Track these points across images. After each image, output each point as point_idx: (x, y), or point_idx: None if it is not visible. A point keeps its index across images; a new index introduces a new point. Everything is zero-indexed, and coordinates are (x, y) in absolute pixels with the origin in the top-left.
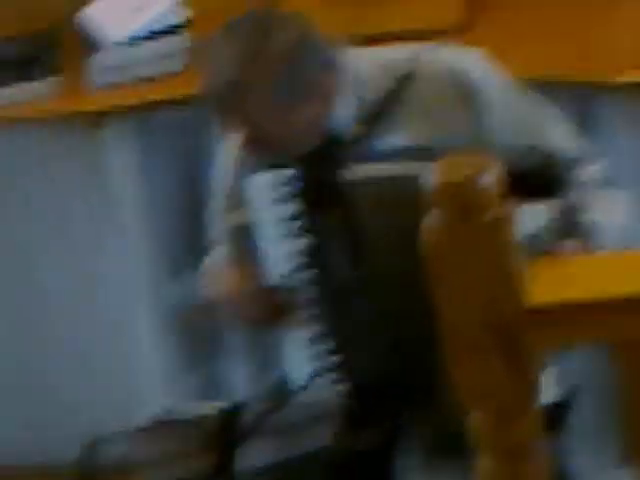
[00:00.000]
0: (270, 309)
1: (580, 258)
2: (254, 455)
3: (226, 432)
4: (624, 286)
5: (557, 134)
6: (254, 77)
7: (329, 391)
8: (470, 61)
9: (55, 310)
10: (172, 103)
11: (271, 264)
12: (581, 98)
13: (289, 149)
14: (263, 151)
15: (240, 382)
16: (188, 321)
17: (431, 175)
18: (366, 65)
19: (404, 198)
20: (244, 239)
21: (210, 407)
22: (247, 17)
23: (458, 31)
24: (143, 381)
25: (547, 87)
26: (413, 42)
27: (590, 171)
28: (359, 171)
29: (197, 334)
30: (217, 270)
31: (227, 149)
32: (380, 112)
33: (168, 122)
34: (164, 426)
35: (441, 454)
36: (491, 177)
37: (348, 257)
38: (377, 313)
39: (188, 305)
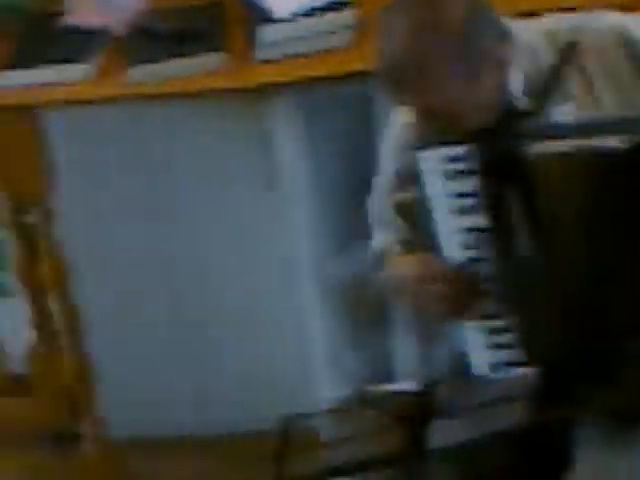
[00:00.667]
0: (453, 296)
1: None
2: (445, 434)
3: (418, 412)
4: None
5: None
6: (430, 50)
7: (514, 373)
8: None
9: (217, 285)
10: (336, 79)
11: (446, 245)
12: None
13: (465, 123)
14: (437, 125)
15: (407, 360)
16: (352, 298)
17: None
18: (528, 35)
19: (591, 176)
20: (415, 217)
21: (401, 387)
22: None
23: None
24: (308, 358)
25: None
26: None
27: None
28: (541, 147)
29: (361, 311)
30: (391, 256)
31: (395, 124)
32: (550, 85)
33: (332, 98)
34: (356, 405)
35: (619, 430)
36: None
37: (531, 239)
38: (558, 301)
39: (352, 282)
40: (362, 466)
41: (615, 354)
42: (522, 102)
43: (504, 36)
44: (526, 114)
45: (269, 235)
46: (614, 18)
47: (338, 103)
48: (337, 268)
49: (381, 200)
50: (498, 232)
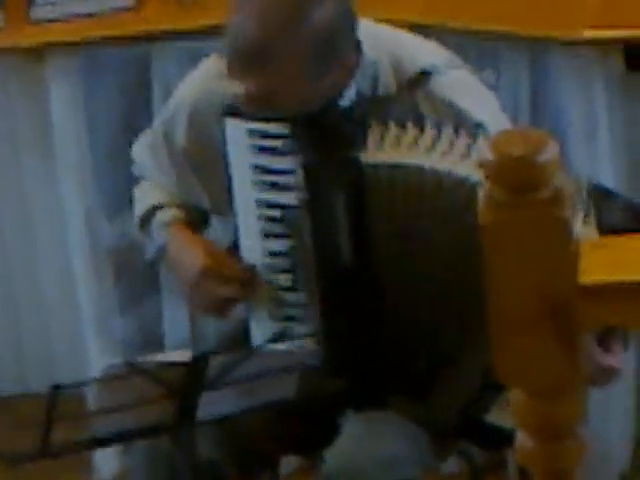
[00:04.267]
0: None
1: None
2: (216, 404)
3: (190, 381)
4: None
5: None
6: (293, 41)
7: (296, 344)
8: (469, 96)
9: None
10: (117, 40)
11: (243, 213)
12: (532, 53)
13: (289, 112)
14: (265, 107)
15: (178, 327)
16: (123, 262)
17: (486, 149)
18: (377, 52)
19: (421, 196)
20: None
21: (175, 356)
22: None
23: None
24: (77, 324)
25: (497, 41)
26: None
27: None
28: (372, 153)
29: (133, 274)
30: (166, 219)
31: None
32: (386, 105)
33: (113, 59)
34: (125, 374)
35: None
36: (549, 153)
37: (348, 243)
38: (371, 305)
39: (125, 245)
40: (129, 435)
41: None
42: (353, 106)
43: (358, 43)
44: (356, 120)
45: (43, 196)
46: (454, 78)
47: (121, 64)
48: (111, 230)
49: (160, 151)
50: (317, 230)
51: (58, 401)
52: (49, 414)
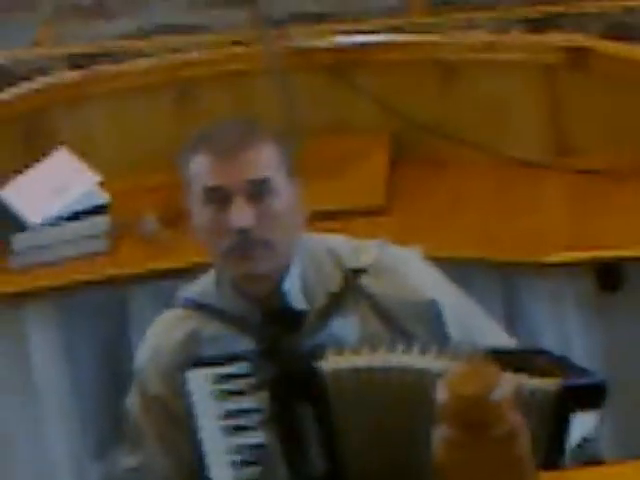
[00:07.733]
0: None
1: (588, 471)
2: None
3: None
4: None
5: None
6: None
7: None
8: (418, 273)
9: None
10: (94, 284)
11: (215, 465)
12: (504, 278)
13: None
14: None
15: None
16: None
17: (440, 389)
18: (312, 245)
19: (387, 392)
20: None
21: None
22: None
23: (378, 212)
24: None
25: (468, 267)
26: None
27: None
28: (333, 361)
29: None
30: None
31: (163, 329)
32: (335, 301)
33: (90, 303)
34: None
35: None
36: (502, 391)
37: (319, 452)
38: None
39: None
40: None
41: None
42: (299, 301)
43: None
44: (309, 326)
45: (27, 440)
46: (390, 252)
47: (94, 308)
48: (99, 471)
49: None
50: (287, 446)
51: None
52: None
